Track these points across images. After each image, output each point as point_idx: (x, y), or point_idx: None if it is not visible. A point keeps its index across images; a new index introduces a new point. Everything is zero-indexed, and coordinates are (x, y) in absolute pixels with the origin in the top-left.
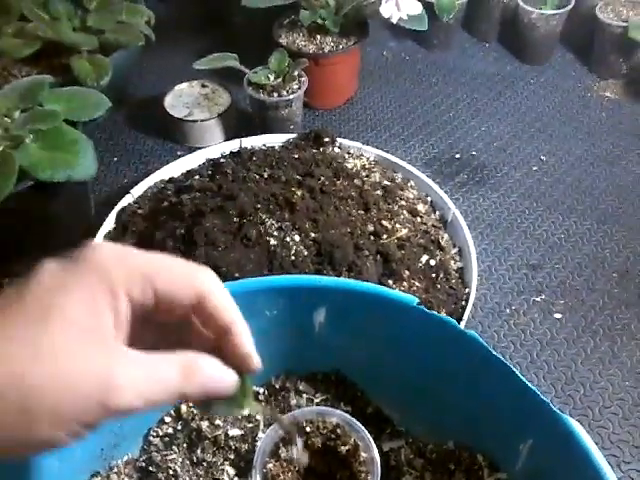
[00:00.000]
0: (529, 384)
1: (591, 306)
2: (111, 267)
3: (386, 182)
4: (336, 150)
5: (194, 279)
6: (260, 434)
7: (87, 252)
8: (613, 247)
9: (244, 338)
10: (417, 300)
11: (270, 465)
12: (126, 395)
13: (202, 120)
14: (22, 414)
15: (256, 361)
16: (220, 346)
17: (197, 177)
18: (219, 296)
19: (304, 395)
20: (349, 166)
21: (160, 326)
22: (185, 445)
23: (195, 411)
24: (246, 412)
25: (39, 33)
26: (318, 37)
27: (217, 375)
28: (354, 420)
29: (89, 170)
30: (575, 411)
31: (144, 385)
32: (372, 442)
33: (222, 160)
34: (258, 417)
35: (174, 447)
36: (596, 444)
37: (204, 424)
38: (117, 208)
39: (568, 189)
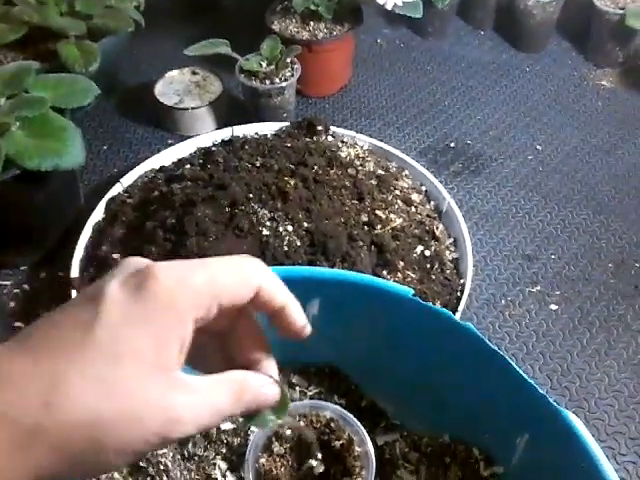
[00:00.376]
0: (527, 377)
1: (587, 297)
2: (178, 295)
3: (380, 171)
4: (329, 139)
5: (251, 278)
6: (252, 428)
7: (151, 280)
8: (609, 237)
9: (298, 314)
10: (412, 291)
11: (263, 460)
12: (186, 427)
13: (193, 108)
14: (91, 446)
15: (309, 328)
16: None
17: (188, 166)
18: (272, 283)
19: (297, 388)
20: (343, 155)
21: (209, 331)
22: None
23: None
24: (280, 422)
25: (25, 18)
26: (311, 24)
27: (265, 392)
28: (348, 414)
29: (77, 158)
30: (571, 403)
31: (203, 415)
32: (367, 436)
33: (213, 149)
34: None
35: None
36: (592, 436)
37: None
38: (106, 197)
39: (564, 179)
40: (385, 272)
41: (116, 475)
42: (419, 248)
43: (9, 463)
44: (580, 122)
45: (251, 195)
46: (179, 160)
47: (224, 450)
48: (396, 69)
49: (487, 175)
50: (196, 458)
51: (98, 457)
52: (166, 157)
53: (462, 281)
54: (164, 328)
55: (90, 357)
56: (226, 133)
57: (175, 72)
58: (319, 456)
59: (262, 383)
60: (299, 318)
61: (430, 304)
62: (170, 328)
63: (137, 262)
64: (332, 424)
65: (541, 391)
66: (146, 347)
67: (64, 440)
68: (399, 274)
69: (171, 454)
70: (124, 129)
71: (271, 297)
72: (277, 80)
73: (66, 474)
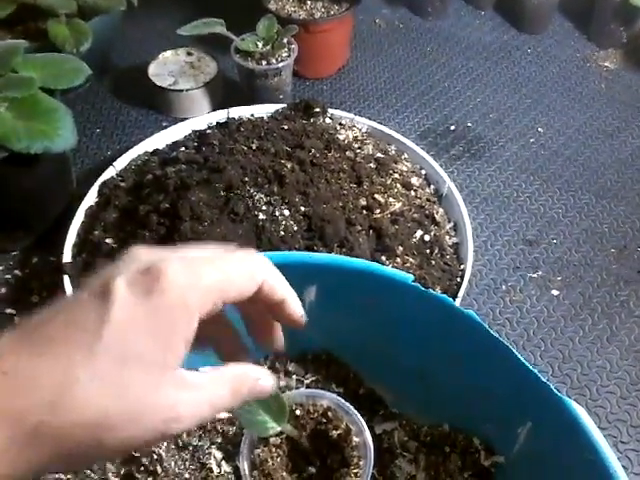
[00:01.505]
0: (530, 366)
1: (589, 282)
2: (188, 297)
3: (379, 154)
4: (327, 121)
5: (256, 274)
6: None
7: (161, 282)
8: (612, 222)
9: (296, 306)
10: (412, 277)
11: (258, 450)
12: (186, 423)
13: (187, 90)
14: (93, 444)
15: (305, 318)
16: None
17: (182, 149)
18: (273, 278)
19: (294, 376)
20: (341, 138)
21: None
22: None
23: None
24: (280, 429)
25: None
26: (309, 3)
27: (262, 384)
28: (346, 403)
29: (68, 141)
30: (572, 390)
31: (202, 411)
32: (365, 426)
33: (208, 131)
34: None
35: None
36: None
37: None
38: (99, 181)
39: (566, 162)
40: (384, 257)
41: (109, 465)
42: (418, 233)
43: (6, 458)
44: (583, 104)
45: (247, 179)
46: (173, 143)
47: (219, 439)
48: (395, 50)
49: (488, 158)
50: (190, 447)
51: (97, 453)
52: (160, 140)
53: (462, 266)
54: (172, 330)
55: (98, 360)
56: (221, 115)
57: (169, 53)
58: (317, 462)
59: (259, 376)
60: (297, 310)
61: (431, 290)
62: (178, 330)
63: (145, 255)
64: (329, 413)
65: (544, 379)
66: (153, 350)
67: (66, 438)
68: (398, 259)
69: (165, 444)
70: (117, 111)
71: (273, 291)
72: (273, 61)
73: (62, 468)
